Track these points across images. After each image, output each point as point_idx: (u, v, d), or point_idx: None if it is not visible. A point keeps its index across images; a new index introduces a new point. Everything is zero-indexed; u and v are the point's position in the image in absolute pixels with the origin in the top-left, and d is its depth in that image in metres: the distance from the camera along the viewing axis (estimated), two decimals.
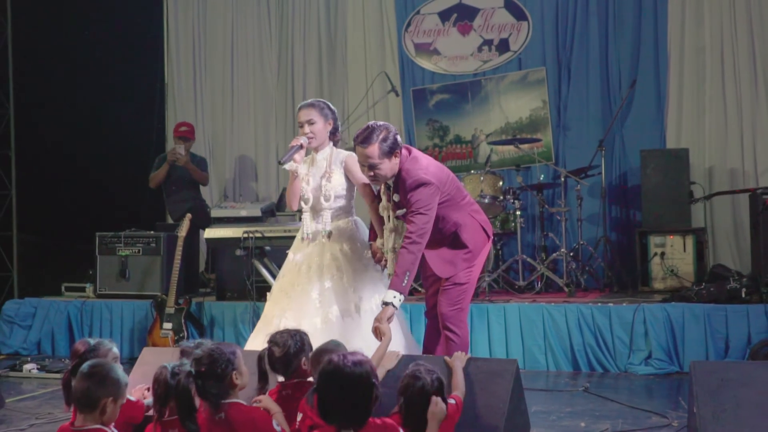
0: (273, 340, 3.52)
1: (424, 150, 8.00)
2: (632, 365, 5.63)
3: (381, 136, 3.97)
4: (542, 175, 7.31)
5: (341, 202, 4.49)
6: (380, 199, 4.30)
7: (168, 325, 6.26)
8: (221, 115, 8.94)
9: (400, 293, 3.86)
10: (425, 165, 4.09)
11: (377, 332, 3.81)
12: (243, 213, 6.97)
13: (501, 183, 6.82)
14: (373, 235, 4.44)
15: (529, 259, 6.86)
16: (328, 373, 2.81)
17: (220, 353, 3.13)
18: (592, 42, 7.67)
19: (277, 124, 8.75)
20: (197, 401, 3.15)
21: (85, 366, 3.09)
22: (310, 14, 8.62)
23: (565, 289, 6.52)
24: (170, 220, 8.22)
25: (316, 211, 4.52)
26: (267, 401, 3.28)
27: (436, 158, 7.73)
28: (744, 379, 3.36)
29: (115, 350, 3.63)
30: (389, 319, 3.82)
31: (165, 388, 3.22)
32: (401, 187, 4.07)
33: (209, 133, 8.94)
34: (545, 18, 7.81)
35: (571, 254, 6.85)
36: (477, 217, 4.26)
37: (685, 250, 6.66)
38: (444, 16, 8.14)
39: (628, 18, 7.58)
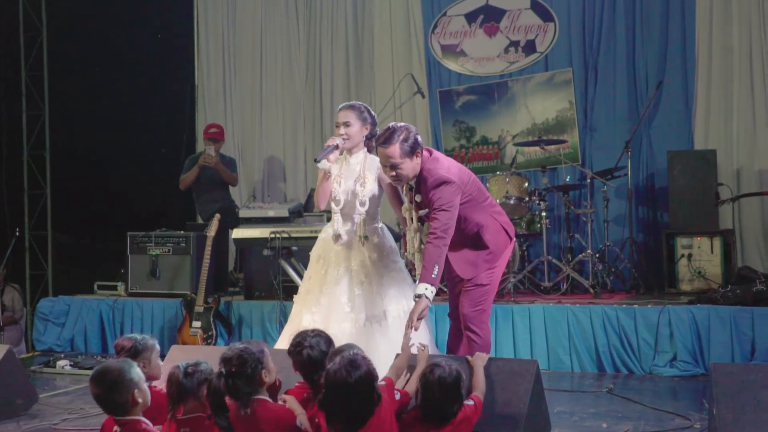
0: (309, 345, 3.53)
1: (451, 151, 8.07)
2: (657, 367, 5.63)
3: (402, 137, 4.03)
4: (568, 177, 7.32)
5: (372, 209, 4.53)
6: (402, 203, 4.35)
7: (197, 324, 6.36)
8: (250, 116, 9.06)
9: (431, 285, 3.90)
10: (447, 165, 4.14)
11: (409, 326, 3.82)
12: (270, 213, 7.05)
13: (526, 184, 6.84)
14: (406, 243, 4.48)
15: (554, 260, 6.87)
16: (329, 381, 2.95)
17: (249, 353, 3.20)
18: (619, 43, 7.66)
19: (305, 125, 8.84)
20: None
21: (94, 375, 3.16)
22: (338, 16, 8.70)
23: (591, 291, 6.51)
24: (200, 221, 8.34)
25: (345, 213, 4.54)
26: (292, 402, 3.35)
27: (462, 159, 7.90)
28: (765, 381, 3.37)
29: (157, 345, 3.72)
30: (423, 313, 3.86)
31: (177, 387, 3.30)
32: (423, 186, 4.13)
33: (238, 135, 9.06)
34: (572, 19, 7.82)
35: (597, 255, 6.84)
36: (499, 219, 4.30)
37: (712, 252, 6.63)
38: (470, 17, 8.18)
39: (656, 18, 7.56)
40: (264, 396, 3.26)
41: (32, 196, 10.01)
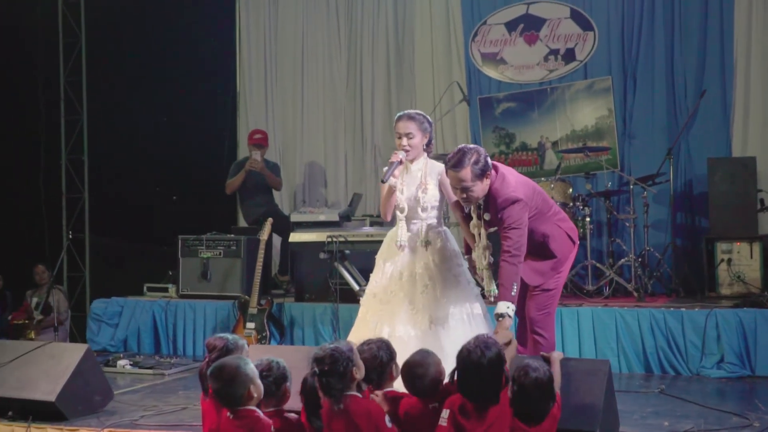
0: (360, 350, 3.68)
1: (491, 157, 8.20)
2: (704, 368, 5.77)
3: (472, 159, 4.09)
4: (609, 183, 7.47)
5: (435, 213, 4.66)
6: (470, 217, 4.43)
7: (251, 325, 6.53)
8: (291, 122, 9.24)
9: (512, 302, 4.04)
10: (514, 183, 4.22)
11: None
12: (321, 218, 7.23)
13: (570, 190, 7.02)
14: (467, 248, 4.61)
15: (598, 264, 7.02)
16: (464, 362, 3.21)
17: (340, 352, 3.37)
18: (658, 51, 7.81)
19: (345, 131, 9.02)
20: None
21: (211, 370, 3.38)
22: (379, 24, 8.89)
23: (635, 294, 6.66)
24: (243, 224, 8.53)
25: (409, 219, 4.67)
26: (383, 399, 3.52)
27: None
28: None
29: (246, 346, 3.90)
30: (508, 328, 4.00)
31: None
32: (491, 205, 4.22)
33: (280, 140, 9.22)
34: (611, 28, 7.98)
35: (639, 260, 6.99)
36: (563, 226, 4.44)
37: (751, 257, 6.77)
38: (511, 26, 8.35)
39: (694, 27, 7.72)
40: (355, 392, 3.43)
41: (70, 199, 10.23)
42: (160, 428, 4.40)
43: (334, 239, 6.09)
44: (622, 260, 7.07)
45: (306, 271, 6.85)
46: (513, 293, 4.04)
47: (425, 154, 4.70)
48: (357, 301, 5.92)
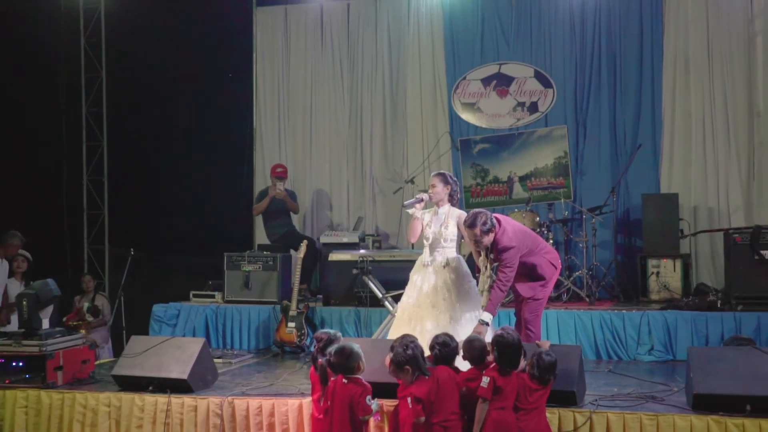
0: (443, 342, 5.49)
1: (469, 188, 10.17)
2: (639, 355, 7.75)
3: (481, 221, 6.04)
4: (566, 212, 9.47)
5: (453, 244, 6.56)
6: (480, 254, 6.39)
7: (292, 324, 8.27)
8: (301, 155, 10.98)
9: (492, 315, 6.06)
10: (511, 234, 6.17)
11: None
12: (344, 239, 9.05)
13: (537, 218, 8.99)
14: (477, 270, 6.55)
15: (558, 277, 8.98)
16: (503, 344, 5.05)
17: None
18: (603, 106, 9.85)
19: (348, 164, 10.81)
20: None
21: (335, 350, 5.17)
22: (376, 78, 10.71)
23: (586, 299, 8.65)
24: (260, 242, 10.24)
25: (433, 247, 6.58)
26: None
27: (478, 194, 10.09)
28: (719, 356, 5.55)
29: (342, 337, 5.70)
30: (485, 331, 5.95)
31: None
32: (495, 249, 6.19)
33: (291, 170, 10.84)
34: (566, 87, 10.00)
35: (589, 272, 8.99)
36: (547, 256, 6.41)
37: (675, 270, 8.78)
38: (486, 82, 10.30)
39: (632, 89, 9.77)
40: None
41: (91, 215, 11.71)
42: (266, 395, 6.14)
43: (366, 258, 7.94)
44: (576, 273, 9.07)
45: (333, 281, 8.66)
46: (496, 309, 6.07)
47: (449, 204, 6.60)
48: (378, 306, 7.82)
